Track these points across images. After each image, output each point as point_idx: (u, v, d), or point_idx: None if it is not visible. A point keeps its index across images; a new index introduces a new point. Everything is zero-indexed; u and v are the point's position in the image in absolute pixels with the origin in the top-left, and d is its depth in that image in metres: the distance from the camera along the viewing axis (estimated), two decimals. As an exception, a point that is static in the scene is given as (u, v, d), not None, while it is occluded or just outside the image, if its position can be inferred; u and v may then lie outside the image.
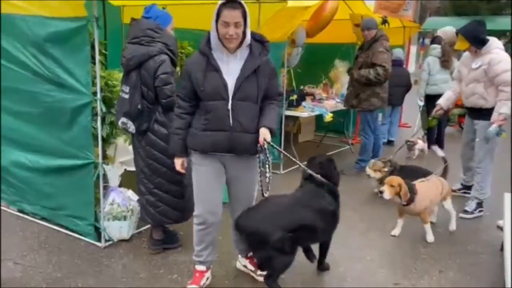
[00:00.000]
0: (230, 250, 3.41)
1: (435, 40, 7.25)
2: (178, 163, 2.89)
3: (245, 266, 3.24)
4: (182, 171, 2.91)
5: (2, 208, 4.23)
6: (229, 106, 2.65)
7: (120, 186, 3.78)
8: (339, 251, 3.68)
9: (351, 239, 3.92)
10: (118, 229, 3.62)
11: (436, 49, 6.94)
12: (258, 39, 2.75)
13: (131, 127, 3.21)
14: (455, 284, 3.24)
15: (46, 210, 3.91)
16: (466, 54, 4.58)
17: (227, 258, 3.41)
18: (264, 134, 2.67)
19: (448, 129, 8.11)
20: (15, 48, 3.61)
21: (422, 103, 7.20)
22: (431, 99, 7.19)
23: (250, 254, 3.18)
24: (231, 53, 2.67)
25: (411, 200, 3.74)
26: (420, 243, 3.87)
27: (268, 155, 2.69)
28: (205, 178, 2.82)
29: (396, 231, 4.00)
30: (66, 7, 3.24)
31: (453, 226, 4.10)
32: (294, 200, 2.99)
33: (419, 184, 3.90)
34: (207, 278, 3.04)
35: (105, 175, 3.62)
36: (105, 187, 3.64)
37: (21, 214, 4.09)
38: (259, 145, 2.67)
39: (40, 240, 3.68)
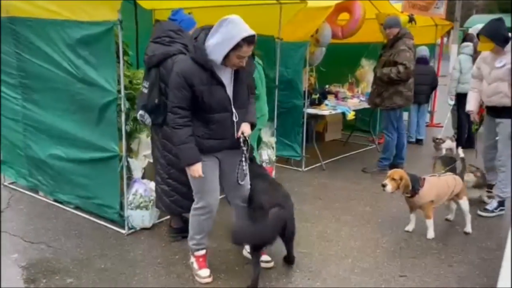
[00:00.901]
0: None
1: (466, 38, 7.15)
2: (198, 169, 2.86)
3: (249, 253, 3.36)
4: (202, 175, 2.90)
5: (40, 197, 4.61)
6: (234, 118, 2.90)
7: (143, 178, 4.03)
8: (349, 243, 3.79)
9: (363, 232, 4.01)
10: (140, 218, 3.88)
11: (468, 46, 6.84)
12: None
13: (147, 120, 3.47)
14: (463, 279, 3.28)
15: (78, 198, 4.23)
16: (487, 51, 4.53)
17: (235, 247, 3.55)
18: (244, 128, 2.95)
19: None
20: (53, 50, 3.94)
21: (452, 102, 7.11)
22: (462, 98, 7.08)
23: None
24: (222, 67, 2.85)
25: (415, 193, 3.80)
26: (433, 239, 3.90)
27: (244, 147, 2.96)
28: (208, 171, 2.95)
29: (409, 227, 4.05)
30: (96, 11, 3.54)
31: (468, 228, 4.05)
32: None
33: (429, 178, 3.94)
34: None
35: (129, 167, 3.89)
36: (129, 179, 3.91)
37: (56, 204, 4.44)
38: (237, 137, 2.94)
39: (70, 226, 4.00)
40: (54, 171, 4.35)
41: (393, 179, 3.80)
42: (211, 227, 3.16)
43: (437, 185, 3.93)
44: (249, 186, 3.20)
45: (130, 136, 3.98)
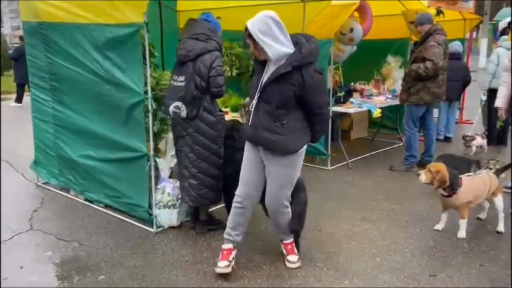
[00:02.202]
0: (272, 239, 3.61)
1: (504, 31, 6.92)
2: None
3: (281, 251, 3.39)
4: None
5: (71, 196, 4.73)
6: (253, 105, 3.00)
7: (170, 177, 4.10)
8: (377, 242, 3.75)
9: (391, 231, 3.96)
10: (168, 216, 3.94)
11: (507, 40, 6.63)
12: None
13: (184, 112, 3.54)
14: (495, 279, 3.20)
15: (109, 198, 4.33)
16: None
17: (262, 246, 3.62)
18: None
19: None
20: (81, 53, 4.05)
21: (485, 97, 6.92)
22: (495, 94, 6.89)
23: (285, 241, 3.35)
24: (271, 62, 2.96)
25: (453, 192, 3.72)
26: (464, 238, 3.82)
27: None
28: (246, 162, 3.12)
29: (439, 226, 3.98)
30: (122, 14, 3.61)
31: (501, 227, 3.94)
32: None
33: (466, 177, 3.86)
34: (233, 258, 3.23)
35: (157, 167, 3.96)
36: (157, 178, 3.98)
37: (87, 203, 4.56)
38: None
39: (102, 225, 4.10)
40: (84, 170, 4.47)
41: (430, 171, 3.74)
42: (242, 223, 3.20)
43: (475, 184, 3.84)
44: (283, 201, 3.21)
45: (157, 136, 4.05)
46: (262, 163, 3.10)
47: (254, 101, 2.99)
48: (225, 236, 3.26)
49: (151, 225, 3.93)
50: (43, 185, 5.08)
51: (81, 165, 4.46)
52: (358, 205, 4.58)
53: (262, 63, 3.00)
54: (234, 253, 3.25)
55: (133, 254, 3.55)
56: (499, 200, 3.96)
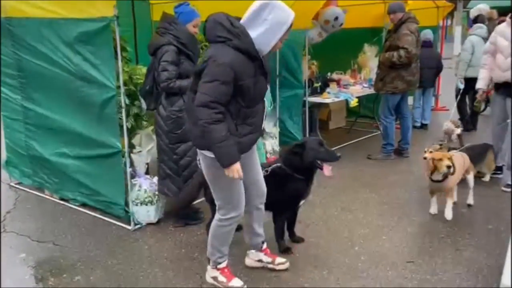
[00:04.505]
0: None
1: (477, 19, 6.96)
2: (238, 168, 2.53)
3: (259, 261, 3.19)
4: (242, 175, 2.58)
5: (46, 196, 4.62)
6: (264, 106, 2.76)
7: (147, 173, 4.04)
8: (355, 231, 3.77)
9: (369, 220, 3.99)
10: (145, 213, 3.88)
11: (482, 28, 6.68)
12: None
13: (143, 105, 3.73)
14: (470, 262, 3.25)
15: (84, 196, 4.24)
16: (503, 25, 4.47)
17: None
18: None
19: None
20: (50, 49, 3.92)
21: (463, 85, 6.98)
22: (471, 82, 6.96)
23: (264, 246, 3.19)
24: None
25: (445, 176, 3.80)
26: (439, 223, 3.88)
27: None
28: (239, 181, 2.68)
29: (433, 210, 4.05)
30: (92, 8, 3.51)
31: (470, 200, 4.18)
32: None
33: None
34: None
35: (132, 163, 3.89)
36: (133, 175, 3.92)
37: (62, 202, 4.45)
38: None
39: (78, 224, 4.02)
40: (58, 169, 4.36)
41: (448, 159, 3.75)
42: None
43: (460, 165, 3.94)
44: (265, 185, 3.03)
45: (132, 132, 3.98)
46: None
47: (265, 103, 2.77)
48: (221, 259, 2.93)
49: (129, 223, 3.87)
50: (16, 186, 4.94)
51: (54, 164, 4.35)
52: (337, 194, 4.60)
53: (252, 59, 2.53)
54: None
55: (110, 253, 3.49)
56: (471, 178, 4.18)
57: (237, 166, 2.53)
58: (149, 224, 3.92)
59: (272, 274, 3.14)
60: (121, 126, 3.67)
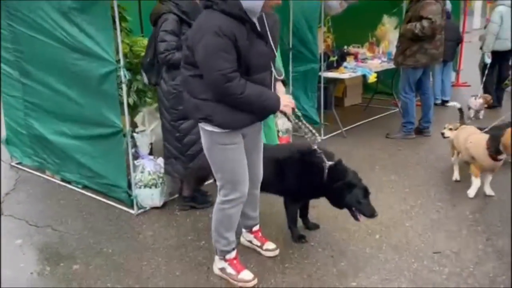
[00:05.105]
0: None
1: None
2: (285, 101, 2.43)
3: (250, 242, 3.04)
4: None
5: (47, 177, 4.40)
6: (273, 77, 2.48)
7: (151, 154, 3.77)
8: (376, 218, 3.45)
9: (390, 204, 3.69)
10: (149, 197, 3.63)
11: None
12: None
13: (145, 79, 3.43)
14: (504, 253, 2.95)
15: (85, 178, 4.00)
16: None
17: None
18: (280, 89, 2.57)
19: None
20: (45, 20, 3.62)
21: (489, 60, 6.57)
22: (500, 56, 6.55)
23: (255, 229, 3.03)
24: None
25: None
26: (466, 208, 3.57)
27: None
28: (240, 156, 2.50)
29: (472, 192, 3.76)
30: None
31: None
32: None
33: None
34: None
35: (135, 144, 3.63)
36: (136, 156, 3.66)
37: (63, 183, 4.23)
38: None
39: (79, 207, 3.79)
40: (58, 149, 4.11)
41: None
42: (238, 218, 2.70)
43: None
44: (261, 171, 2.82)
45: (134, 109, 3.70)
46: None
47: (273, 70, 2.48)
48: (226, 248, 2.67)
49: (132, 207, 3.63)
50: (18, 166, 4.73)
51: (54, 143, 4.10)
52: (354, 176, 4.29)
53: (242, 21, 2.25)
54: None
55: (111, 240, 3.26)
56: None
57: (284, 99, 2.43)
58: (153, 208, 3.68)
59: (285, 265, 2.88)
60: (122, 103, 3.39)
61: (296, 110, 2.58)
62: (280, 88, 2.58)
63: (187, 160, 3.40)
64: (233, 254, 2.71)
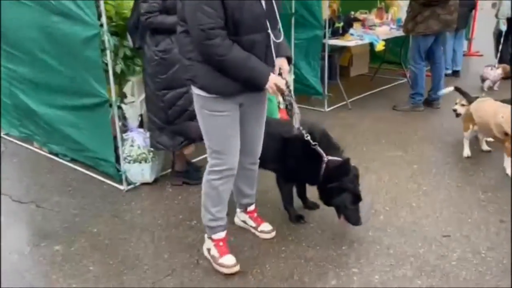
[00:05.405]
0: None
1: None
2: (274, 80, 2.15)
3: (244, 222, 2.84)
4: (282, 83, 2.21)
5: (35, 149, 4.19)
6: (271, 41, 2.18)
7: (141, 126, 3.53)
8: (380, 197, 3.25)
9: (396, 182, 3.46)
10: (139, 173, 3.41)
11: None
12: None
13: (130, 42, 3.19)
14: (518, 237, 2.73)
15: (72, 151, 3.79)
16: None
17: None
18: (282, 63, 2.28)
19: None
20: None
21: (505, 27, 6.18)
22: None
23: (250, 208, 2.82)
24: None
25: None
26: (478, 187, 3.33)
27: (289, 90, 2.27)
28: (230, 126, 2.29)
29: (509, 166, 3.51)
30: None
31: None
32: None
33: None
34: None
35: (123, 115, 3.39)
36: (125, 129, 3.42)
37: (51, 156, 4.02)
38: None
39: (66, 182, 3.58)
40: (44, 120, 3.87)
41: None
42: (229, 196, 2.49)
43: None
44: (260, 145, 2.58)
45: (122, 78, 3.43)
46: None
47: (271, 33, 2.17)
48: (213, 224, 2.47)
49: (121, 182, 3.42)
50: (5, 136, 4.51)
51: (40, 114, 3.84)
52: (358, 151, 4.04)
53: None
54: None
55: (98, 218, 3.05)
56: None
57: (274, 78, 2.17)
58: (144, 184, 3.47)
59: (282, 248, 2.67)
60: (106, 72, 3.11)
61: (287, 93, 2.27)
62: (283, 66, 2.28)
63: (172, 131, 3.16)
64: (221, 234, 2.50)
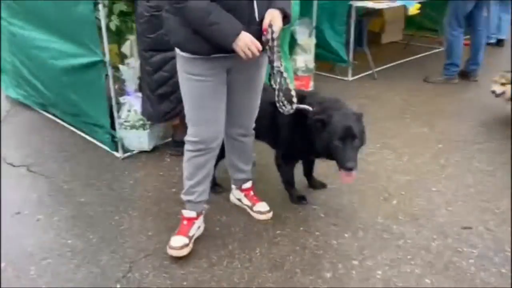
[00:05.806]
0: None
1: None
2: (246, 40, 1.83)
3: (239, 200, 2.60)
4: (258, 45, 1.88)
5: (35, 112, 4.02)
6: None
7: (140, 90, 3.28)
8: (396, 178, 2.90)
9: (417, 163, 3.09)
10: (137, 139, 3.20)
11: None
12: None
13: None
14: (553, 234, 2.35)
15: (68, 115, 3.62)
16: None
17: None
18: (273, 16, 1.88)
19: None
20: None
21: None
22: None
23: (246, 186, 2.55)
24: None
25: None
26: (509, 174, 2.93)
27: (273, 44, 1.92)
28: (209, 93, 2.03)
29: None
30: None
31: None
32: None
33: None
34: (198, 227, 2.29)
35: (120, 78, 3.14)
36: (121, 92, 3.18)
37: (54, 118, 3.85)
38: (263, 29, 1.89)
39: (62, 147, 3.42)
40: (40, 81, 3.70)
41: None
42: (208, 175, 2.24)
43: None
44: (251, 117, 2.30)
45: (120, 36, 3.16)
46: (225, 84, 2.09)
47: None
48: (184, 197, 2.28)
49: (116, 150, 3.22)
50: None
51: (38, 76, 3.67)
52: (378, 126, 3.65)
53: None
54: (198, 222, 2.29)
55: (87, 186, 2.87)
56: None
57: (245, 37, 1.82)
58: (142, 152, 3.25)
59: (277, 231, 2.41)
60: (100, 28, 2.85)
61: (279, 67, 1.96)
62: (275, 21, 1.88)
63: (156, 101, 2.90)
64: (188, 213, 2.26)
